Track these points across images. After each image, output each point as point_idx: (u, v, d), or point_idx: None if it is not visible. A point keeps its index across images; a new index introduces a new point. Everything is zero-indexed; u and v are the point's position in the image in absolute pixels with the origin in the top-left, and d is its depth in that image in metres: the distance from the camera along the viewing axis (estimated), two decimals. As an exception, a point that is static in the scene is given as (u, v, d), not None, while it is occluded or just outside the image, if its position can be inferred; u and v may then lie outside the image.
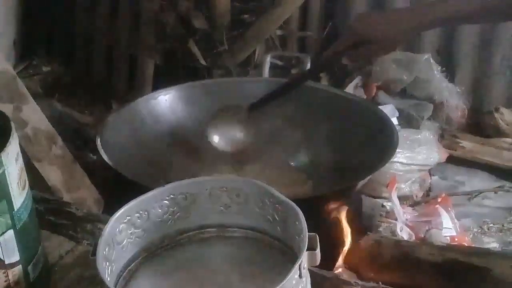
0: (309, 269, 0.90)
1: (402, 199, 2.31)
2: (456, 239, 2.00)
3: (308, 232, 0.90)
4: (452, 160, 2.66)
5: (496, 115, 2.81)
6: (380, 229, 2.00)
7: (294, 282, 0.85)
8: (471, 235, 2.25)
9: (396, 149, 1.56)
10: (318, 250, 0.89)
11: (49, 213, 1.25)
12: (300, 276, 0.86)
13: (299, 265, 0.86)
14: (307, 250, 0.87)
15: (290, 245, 0.98)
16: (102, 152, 1.52)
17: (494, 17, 1.63)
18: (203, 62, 2.86)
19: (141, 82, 3.04)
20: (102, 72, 3.30)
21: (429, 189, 2.54)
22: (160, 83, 2.74)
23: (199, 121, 1.89)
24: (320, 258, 0.90)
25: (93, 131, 1.63)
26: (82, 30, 3.34)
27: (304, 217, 0.92)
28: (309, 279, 0.91)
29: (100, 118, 2.03)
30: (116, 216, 0.98)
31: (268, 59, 2.04)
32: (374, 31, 1.56)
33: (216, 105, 1.90)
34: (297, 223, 0.93)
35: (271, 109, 1.88)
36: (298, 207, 0.95)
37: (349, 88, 2.78)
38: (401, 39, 1.61)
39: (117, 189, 1.73)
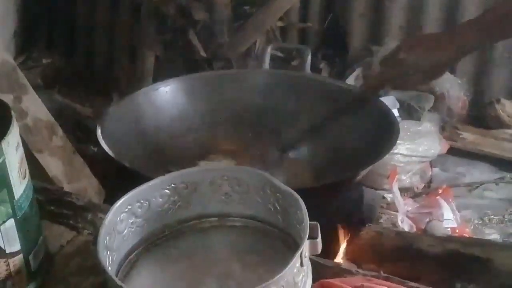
0: (310, 258, 0.90)
1: (403, 190, 2.32)
2: (457, 230, 2.00)
3: (309, 221, 0.90)
4: (453, 151, 2.66)
5: (497, 106, 2.81)
6: (381, 220, 2.01)
7: (295, 270, 0.85)
8: (472, 227, 2.26)
9: (397, 140, 1.56)
10: (319, 238, 0.89)
11: (50, 203, 1.25)
12: (301, 264, 0.86)
13: (300, 254, 0.85)
14: (308, 238, 0.87)
15: (291, 234, 0.98)
16: (102, 142, 1.51)
17: None
18: (203, 53, 2.86)
19: (141, 74, 3.04)
20: (103, 63, 3.29)
21: (430, 181, 2.55)
22: (160, 75, 2.74)
23: (199, 113, 1.89)
24: (321, 247, 0.89)
25: (94, 123, 1.62)
26: (82, 22, 3.34)
27: (305, 206, 0.92)
28: (310, 267, 0.91)
29: (101, 110, 2.03)
30: (117, 205, 0.98)
31: (269, 51, 2.04)
32: (425, 60, 1.49)
33: (217, 96, 1.90)
34: (298, 212, 0.93)
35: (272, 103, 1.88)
36: (299, 196, 0.95)
37: (350, 80, 2.78)
38: (450, 64, 1.53)
39: (118, 180, 1.73)
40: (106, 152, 1.49)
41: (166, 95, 1.86)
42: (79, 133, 2.53)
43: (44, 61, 3.36)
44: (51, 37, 3.49)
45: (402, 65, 1.52)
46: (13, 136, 0.95)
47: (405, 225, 1.99)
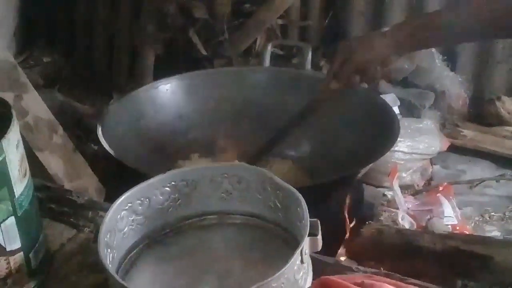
0: (310, 255, 0.90)
1: (404, 188, 2.32)
2: (457, 228, 2.00)
3: (309, 218, 0.90)
4: (453, 149, 2.67)
5: (498, 103, 2.82)
6: (382, 218, 2.01)
7: (295, 267, 0.85)
8: (473, 224, 2.26)
9: (398, 138, 1.56)
10: (319, 236, 0.89)
11: (50, 201, 1.25)
12: (301, 261, 0.86)
13: (301, 251, 0.85)
14: (308, 235, 0.87)
15: (292, 231, 0.98)
16: (103, 140, 1.52)
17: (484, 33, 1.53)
18: (203, 51, 2.86)
19: (141, 72, 3.04)
20: (103, 62, 3.30)
21: (431, 178, 2.55)
22: (160, 73, 2.74)
23: (200, 111, 1.89)
24: (321, 244, 0.89)
25: (94, 121, 1.62)
26: (82, 20, 3.34)
27: (305, 203, 0.92)
28: (311, 264, 0.91)
29: (101, 108, 2.03)
30: (117, 203, 0.98)
31: (269, 48, 2.04)
32: (358, 54, 1.48)
33: (217, 94, 1.90)
34: (298, 209, 0.93)
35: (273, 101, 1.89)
36: (299, 193, 0.95)
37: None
38: (384, 61, 1.52)
39: (118, 178, 1.73)
40: (107, 150, 1.49)
41: (167, 93, 1.87)
42: (79, 132, 2.53)
43: (44, 60, 3.36)
44: (51, 36, 3.49)
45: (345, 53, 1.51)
46: (14, 134, 0.95)
47: (405, 222, 1.99)
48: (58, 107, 2.54)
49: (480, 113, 2.90)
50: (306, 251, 0.88)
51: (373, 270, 1.06)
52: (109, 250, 0.95)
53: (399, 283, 0.93)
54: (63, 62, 3.39)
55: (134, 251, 1.03)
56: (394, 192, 2.07)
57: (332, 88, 1.56)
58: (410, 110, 2.68)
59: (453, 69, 2.89)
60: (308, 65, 1.99)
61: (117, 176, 1.78)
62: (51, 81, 3.17)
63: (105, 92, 3.08)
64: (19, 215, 0.97)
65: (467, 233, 1.99)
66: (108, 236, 0.95)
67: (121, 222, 0.99)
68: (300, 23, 3.06)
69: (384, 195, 2.18)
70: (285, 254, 0.86)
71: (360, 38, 1.68)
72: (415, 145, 2.43)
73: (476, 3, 1.37)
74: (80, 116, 2.72)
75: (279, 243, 1.01)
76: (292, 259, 0.83)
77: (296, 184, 0.99)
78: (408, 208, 2.08)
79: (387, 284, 0.90)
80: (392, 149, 1.61)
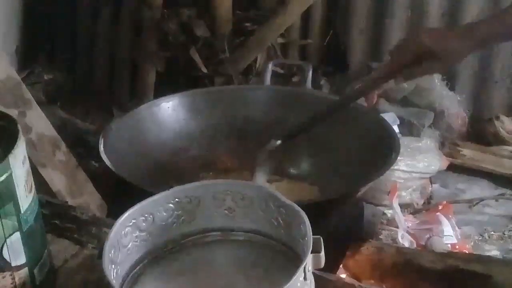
0: (312, 272, 0.91)
1: (403, 206, 2.32)
2: (457, 247, 2.01)
3: (312, 235, 0.90)
4: (452, 168, 2.68)
5: (497, 123, 2.83)
6: (381, 236, 2.01)
7: (298, 284, 0.86)
8: (472, 243, 2.26)
9: (397, 156, 1.57)
10: (322, 253, 0.90)
11: (54, 217, 1.26)
12: (304, 278, 0.87)
13: (304, 268, 0.86)
14: (311, 252, 0.88)
15: (295, 248, 0.99)
16: (104, 157, 1.52)
17: None
18: (204, 70, 2.88)
19: (142, 89, 3.05)
20: (104, 79, 3.31)
21: (430, 197, 2.56)
22: (161, 90, 2.75)
23: (201, 128, 1.90)
24: (324, 261, 0.90)
25: (95, 138, 1.63)
26: (84, 38, 3.36)
27: (308, 220, 0.93)
28: (314, 281, 0.92)
29: (102, 125, 2.04)
30: (121, 219, 0.99)
31: (270, 67, 2.05)
32: (444, 44, 1.48)
33: (218, 112, 1.91)
34: (301, 226, 0.93)
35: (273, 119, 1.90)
36: (302, 210, 0.95)
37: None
38: (467, 53, 1.54)
39: (119, 195, 1.73)
40: (108, 167, 1.50)
41: (168, 111, 1.87)
42: (80, 149, 2.54)
43: (45, 76, 3.37)
44: (52, 53, 3.50)
45: (425, 47, 1.48)
46: (20, 150, 0.96)
47: (405, 241, 1.99)
48: (59, 124, 2.55)
49: (479, 132, 2.91)
50: (309, 268, 0.88)
51: (375, 287, 1.06)
52: (113, 266, 0.95)
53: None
54: (65, 79, 3.40)
55: (138, 267, 1.03)
56: (394, 210, 2.07)
57: (396, 83, 1.59)
58: (410, 129, 2.69)
59: (452, 88, 2.91)
60: (309, 84, 2.00)
61: (119, 193, 1.79)
62: (52, 98, 3.18)
63: (106, 109, 3.09)
64: (24, 230, 0.98)
65: (467, 252, 1.99)
66: (112, 252, 0.95)
67: (125, 238, 1.00)
68: (301, 42, 3.08)
69: (384, 213, 2.19)
70: (288, 271, 0.86)
71: (441, 29, 1.67)
72: (415, 164, 2.44)
73: None
74: (81, 133, 2.73)
75: (282, 260, 1.02)
76: (295, 276, 0.84)
77: (298, 201, 1.00)
78: (408, 227, 2.09)
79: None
80: (392, 167, 1.61)
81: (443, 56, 1.48)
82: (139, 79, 3.10)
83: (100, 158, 1.53)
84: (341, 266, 1.58)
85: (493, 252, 2.23)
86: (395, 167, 2.33)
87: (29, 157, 1.01)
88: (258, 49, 2.88)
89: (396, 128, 2.31)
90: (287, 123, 1.86)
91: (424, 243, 2.01)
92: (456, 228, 2.11)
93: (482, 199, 2.52)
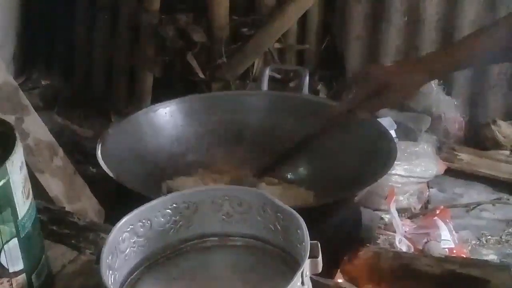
0: (310, 277, 0.91)
1: (401, 211, 2.32)
2: (454, 251, 2.01)
3: (310, 240, 0.91)
4: (450, 172, 2.68)
5: (494, 127, 2.83)
6: (379, 241, 2.01)
7: (296, 289, 0.86)
8: (469, 247, 2.26)
9: (395, 161, 1.57)
10: (320, 258, 0.90)
11: (52, 223, 1.26)
12: (302, 283, 0.87)
13: (301, 273, 0.86)
14: (309, 258, 0.88)
15: (292, 253, 0.99)
16: (102, 163, 1.52)
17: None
18: (201, 75, 2.88)
19: (140, 95, 3.06)
20: (102, 85, 3.31)
21: (428, 201, 2.56)
22: (159, 96, 2.75)
23: (198, 134, 1.90)
24: (322, 266, 0.90)
25: (92, 144, 1.63)
26: (81, 43, 3.36)
27: (305, 225, 0.93)
28: (311, 286, 0.92)
29: (100, 131, 2.04)
30: (119, 225, 0.99)
31: (267, 72, 2.05)
32: (397, 77, 1.55)
33: (216, 118, 1.92)
34: (298, 231, 0.94)
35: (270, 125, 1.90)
36: (299, 215, 0.96)
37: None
38: (420, 84, 1.61)
39: (117, 200, 1.74)
40: (106, 173, 1.50)
41: (165, 116, 1.88)
42: (77, 155, 2.54)
43: (43, 82, 3.38)
44: (50, 59, 3.50)
45: (379, 81, 1.56)
46: (18, 156, 0.96)
47: (402, 245, 1.99)
48: (56, 130, 2.55)
49: (476, 137, 2.92)
50: (307, 273, 0.88)
51: (372, 292, 1.07)
52: (110, 272, 0.95)
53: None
54: (62, 84, 3.40)
55: (135, 273, 1.03)
56: (391, 215, 2.08)
57: (358, 116, 1.62)
58: (407, 133, 2.69)
59: (449, 93, 2.91)
60: (306, 89, 2.01)
61: (116, 198, 1.79)
62: (50, 104, 3.18)
63: (103, 115, 3.09)
64: (22, 236, 0.98)
65: (464, 256, 1.99)
66: (110, 257, 0.95)
67: (123, 244, 1.00)
68: (298, 47, 3.08)
69: (382, 218, 2.19)
70: (286, 276, 0.86)
71: (396, 64, 1.78)
72: (412, 168, 2.44)
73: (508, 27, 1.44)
74: (78, 138, 2.73)
75: (280, 265, 1.02)
76: (293, 281, 0.84)
77: (295, 206, 1.00)
78: (406, 232, 2.09)
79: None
80: (389, 172, 1.62)
81: (399, 88, 1.53)
82: (137, 84, 3.10)
83: (98, 164, 1.54)
84: (338, 271, 1.58)
85: (491, 256, 2.23)
86: (392, 172, 2.33)
87: (26, 163, 1.01)
88: (255, 54, 2.89)
89: (393, 133, 2.31)
90: (284, 128, 1.87)
91: (421, 248, 2.01)
92: (454, 232, 2.11)
93: (479, 204, 2.52)
